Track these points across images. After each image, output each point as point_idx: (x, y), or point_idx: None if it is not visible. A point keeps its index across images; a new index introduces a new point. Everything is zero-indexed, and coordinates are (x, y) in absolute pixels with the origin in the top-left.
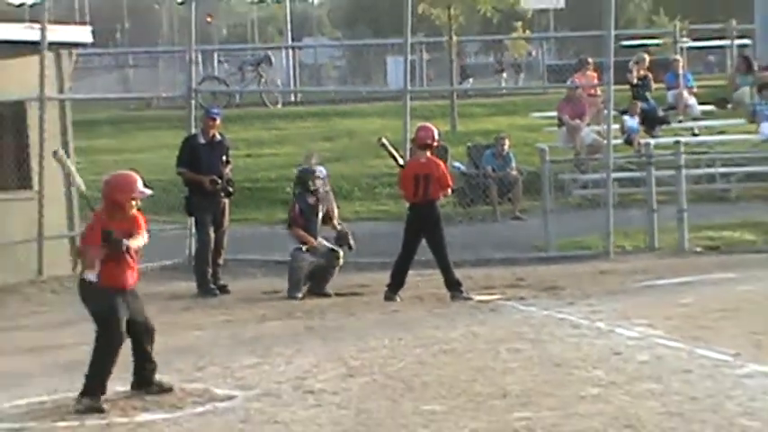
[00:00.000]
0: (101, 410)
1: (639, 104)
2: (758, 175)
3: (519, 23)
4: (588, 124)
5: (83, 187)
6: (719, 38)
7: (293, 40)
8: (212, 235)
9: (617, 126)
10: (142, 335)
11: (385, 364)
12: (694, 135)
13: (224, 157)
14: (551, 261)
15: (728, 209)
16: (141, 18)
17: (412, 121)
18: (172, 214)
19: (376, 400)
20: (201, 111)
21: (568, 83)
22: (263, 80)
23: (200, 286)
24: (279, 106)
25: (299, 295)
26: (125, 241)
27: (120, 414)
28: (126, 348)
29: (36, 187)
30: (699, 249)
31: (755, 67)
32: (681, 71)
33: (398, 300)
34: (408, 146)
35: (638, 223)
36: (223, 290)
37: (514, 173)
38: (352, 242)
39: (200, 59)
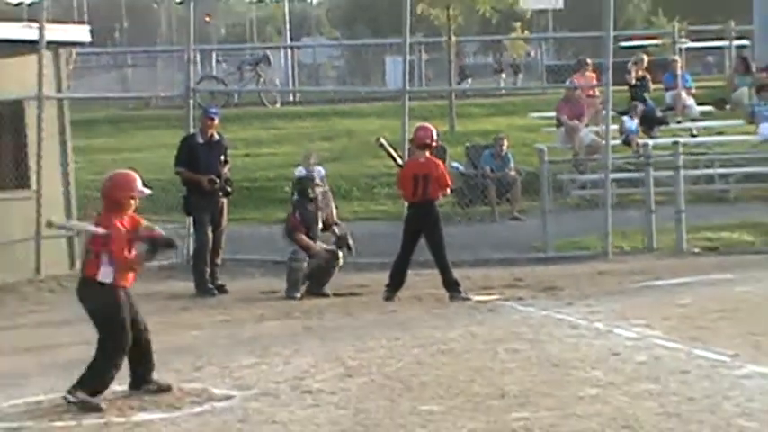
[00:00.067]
0: (98, 409)
1: (640, 106)
2: (757, 175)
3: (518, 24)
4: (587, 125)
5: (93, 229)
6: (718, 39)
7: (292, 39)
8: (210, 235)
9: (615, 127)
10: (141, 333)
11: (383, 364)
12: (693, 136)
13: (222, 157)
14: (550, 261)
15: (727, 210)
16: (140, 17)
17: (410, 121)
18: (170, 214)
19: (374, 400)
20: (200, 110)
21: (567, 83)
22: (261, 80)
23: (198, 286)
24: (277, 106)
25: (298, 295)
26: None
27: (117, 413)
28: None
29: (34, 186)
30: (697, 250)
31: (754, 68)
32: (679, 72)
33: (397, 300)
34: (407, 146)
35: (636, 224)
36: (221, 290)
37: (513, 173)
38: (351, 242)
39: (198, 59)
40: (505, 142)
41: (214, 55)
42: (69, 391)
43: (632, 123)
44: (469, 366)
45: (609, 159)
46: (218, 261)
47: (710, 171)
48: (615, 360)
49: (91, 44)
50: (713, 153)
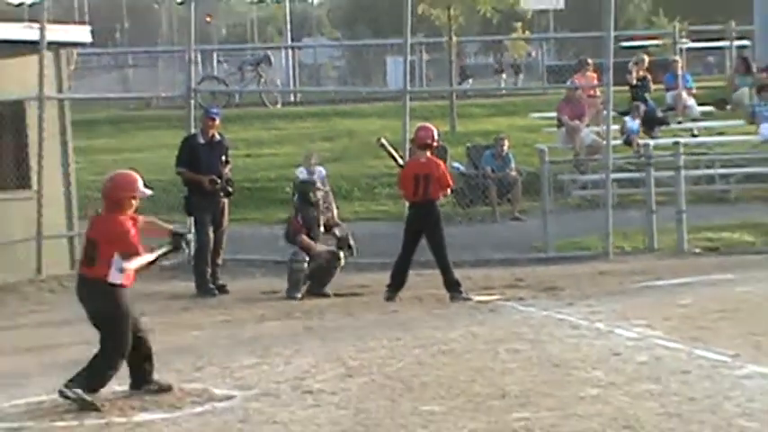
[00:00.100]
0: (96, 408)
1: (642, 106)
2: (757, 176)
3: (519, 24)
4: (587, 125)
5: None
6: (719, 39)
7: (293, 40)
8: (211, 235)
9: (616, 127)
10: (141, 339)
11: (384, 364)
12: (693, 136)
13: (223, 157)
14: (550, 262)
15: (728, 210)
16: (140, 18)
17: (411, 121)
18: (171, 214)
19: (375, 401)
20: (201, 111)
21: (568, 83)
22: (262, 80)
23: (199, 286)
24: (278, 106)
25: (298, 295)
26: (189, 235)
27: (118, 414)
28: None
29: (35, 187)
30: (698, 250)
31: (754, 69)
32: (680, 72)
33: (398, 300)
34: (408, 146)
35: (637, 224)
36: (222, 290)
37: (514, 173)
38: (352, 242)
39: (199, 59)
40: (506, 142)
41: (215, 55)
42: (66, 386)
43: (634, 123)
44: (470, 367)
45: (610, 159)
46: (219, 261)
47: (711, 171)
48: (616, 360)
49: (92, 44)
50: (714, 153)
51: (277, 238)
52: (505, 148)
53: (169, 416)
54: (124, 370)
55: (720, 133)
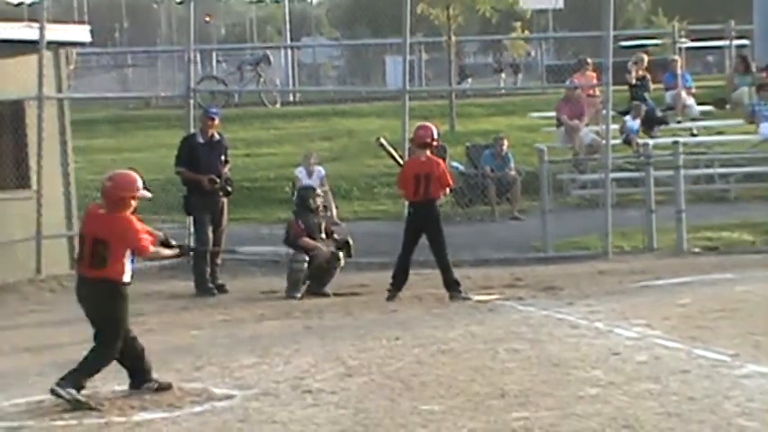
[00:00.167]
0: (90, 407)
1: (642, 106)
2: (757, 175)
3: (518, 24)
4: (587, 124)
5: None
6: (718, 38)
7: (292, 39)
8: (211, 234)
9: (616, 126)
10: (131, 332)
11: (383, 363)
12: (693, 135)
13: (222, 157)
14: (550, 261)
15: (727, 209)
16: (140, 17)
17: (411, 120)
18: (170, 213)
19: (374, 400)
20: (200, 110)
21: (567, 83)
22: (261, 80)
23: (198, 286)
24: (278, 106)
25: (298, 295)
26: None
27: (118, 413)
28: None
29: (34, 186)
30: (697, 250)
31: (753, 68)
32: (679, 71)
33: (398, 300)
34: (407, 145)
35: (636, 223)
36: (221, 289)
37: (513, 173)
38: (351, 242)
39: (198, 59)
40: (505, 142)
41: (214, 55)
42: (59, 384)
43: (634, 123)
44: (470, 366)
45: (609, 159)
46: (219, 261)
47: (711, 171)
48: (615, 360)
49: (91, 44)
50: (713, 153)
51: (276, 238)
52: (505, 147)
53: (168, 415)
54: (123, 369)
55: (720, 133)
